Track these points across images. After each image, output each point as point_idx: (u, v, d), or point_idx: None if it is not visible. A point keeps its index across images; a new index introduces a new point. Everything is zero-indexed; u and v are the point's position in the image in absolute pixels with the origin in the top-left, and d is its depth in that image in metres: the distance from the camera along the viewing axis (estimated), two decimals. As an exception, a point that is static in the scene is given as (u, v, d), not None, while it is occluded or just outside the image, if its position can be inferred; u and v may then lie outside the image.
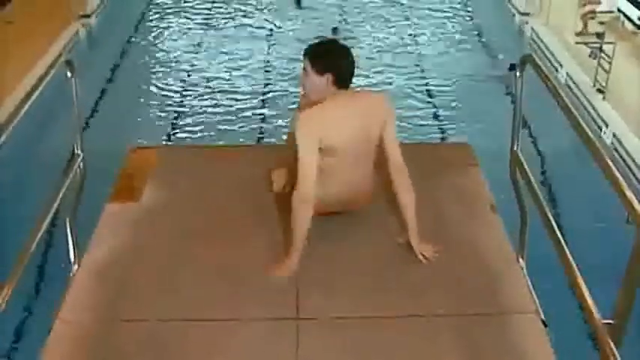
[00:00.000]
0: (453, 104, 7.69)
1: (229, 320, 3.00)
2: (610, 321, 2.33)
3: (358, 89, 3.89)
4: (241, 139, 6.92)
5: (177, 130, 7.21)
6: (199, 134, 7.11)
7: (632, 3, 7.00)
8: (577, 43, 7.71)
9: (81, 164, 3.47)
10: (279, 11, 10.39)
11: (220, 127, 7.23)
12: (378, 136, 3.27)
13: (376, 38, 9.50)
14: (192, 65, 8.81)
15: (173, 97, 7.97)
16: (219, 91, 8.06)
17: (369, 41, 9.41)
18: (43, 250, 4.88)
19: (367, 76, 8.24)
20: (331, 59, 3.18)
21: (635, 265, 2.19)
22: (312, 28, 9.75)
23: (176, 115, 7.55)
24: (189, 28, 9.90)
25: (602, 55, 7.28)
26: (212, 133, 7.10)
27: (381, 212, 3.54)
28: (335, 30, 9.51)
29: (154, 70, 8.68)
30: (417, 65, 8.72)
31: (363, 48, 9.10)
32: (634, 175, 5.99)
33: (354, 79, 3.27)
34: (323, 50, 3.23)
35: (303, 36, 9.29)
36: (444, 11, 10.49)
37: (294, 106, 5.59)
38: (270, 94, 7.94)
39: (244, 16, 10.29)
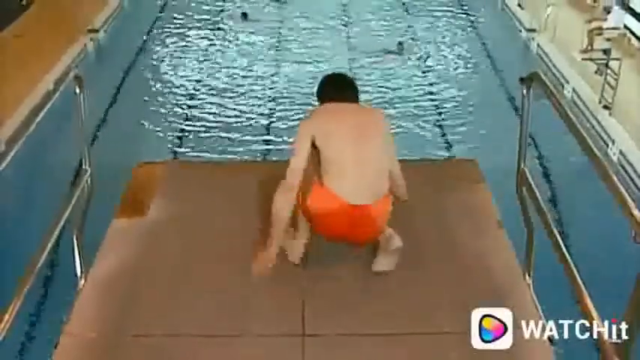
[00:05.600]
0: (461, 120, 7.70)
1: (236, 336, 2.99)
2: (617, 339, 2.32)
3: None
4: (246, 156, 6.94)
5: (184, 145, 7.23)
6: (205, 148, 7.13)
7: (638, 19, 7.02)
8: (583, 59, 7.72)
9: (88, 180, 3.48)
10: (282, 26, 10.45)
11: (226, 142, 7.25)
12: (378, 135, 3.29)
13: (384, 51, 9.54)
14: (199, 79, 8.85)
15: (180, 111, 8.00)
16: (225, 106, 8.09)
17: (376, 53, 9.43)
18: (50, 264, 4.90)
19: (372, 92, 8.27)
20: (319, 89, 3.48)
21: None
22: (317, 42, 9.81)
23: (182, 129, 7.58)
24: (196, 43, 9.95)
25: (609, 71, 7.29)
26: (218, 148, 7.12)
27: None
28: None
29: (160, 84, 8.72)
30: (425, 80, 8.74)
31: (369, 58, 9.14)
32: (640, 191, 5.98)
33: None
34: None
35: (306, 54, 9.36)
36: (450, 25, 10.52)
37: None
38: (276, 109, 7.96)
39: (250, 32, 10.34)
